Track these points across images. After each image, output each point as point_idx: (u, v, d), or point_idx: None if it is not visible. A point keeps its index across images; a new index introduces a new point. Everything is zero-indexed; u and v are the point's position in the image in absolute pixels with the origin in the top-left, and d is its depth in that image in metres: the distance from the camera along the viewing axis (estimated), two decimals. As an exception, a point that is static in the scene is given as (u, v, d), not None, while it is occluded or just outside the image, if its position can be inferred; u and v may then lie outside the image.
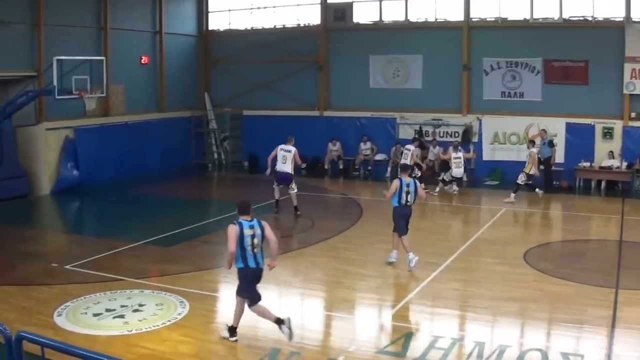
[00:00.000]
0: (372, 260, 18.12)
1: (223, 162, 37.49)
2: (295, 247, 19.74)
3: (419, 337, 12.48)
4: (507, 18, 31.33)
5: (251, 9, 37.17)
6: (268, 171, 24.41)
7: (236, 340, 12.47)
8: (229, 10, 38.12)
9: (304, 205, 24.57)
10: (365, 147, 33.07)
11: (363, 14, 34.40)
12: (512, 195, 26.10)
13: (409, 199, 17.28)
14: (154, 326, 13.50)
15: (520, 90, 31.08)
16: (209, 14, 38.78)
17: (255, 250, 12.48)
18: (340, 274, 16.92)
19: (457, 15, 32.01)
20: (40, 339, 8.72)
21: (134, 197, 29.05)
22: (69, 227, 25.44)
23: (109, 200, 28.86)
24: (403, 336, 12.57)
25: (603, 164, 29.18)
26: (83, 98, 27.48)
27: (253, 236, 12.44)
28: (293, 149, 23.88)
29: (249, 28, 37.60)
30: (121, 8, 33.14)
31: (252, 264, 12.46)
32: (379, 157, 33.07)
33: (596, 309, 14.10)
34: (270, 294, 16.10)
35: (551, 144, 29.23)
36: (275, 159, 24.16)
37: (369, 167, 33.10)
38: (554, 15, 30.37)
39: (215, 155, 37.86)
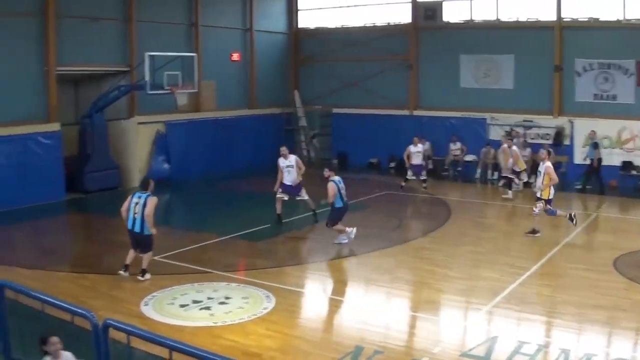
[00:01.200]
0: (459, 262, 18.00)
1: (312, 160, 37.54)
2: (382, 246, 19.63)
3: (504, 342, 12.29)
4: (598, 18, 30.64)
5: (341, 7, 37.17)
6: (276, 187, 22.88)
7: None
8: (319, 9, 38.23)
9: (392, 205, 24.51)
10: (455, 147, 32.78)
11: (453, 13, 34.05)
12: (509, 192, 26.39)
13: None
14: (239, 319, 13.65)
15: (612, 93, 30.34)
16: (299, 12, 38.89)
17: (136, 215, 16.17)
18: (426, 275, 16.84)
19: (549, 15, 31.40)
20: (127, 327, 8.88)
21: (223, 192, 29.31)
22: (158, 219, 25.47)
23: (198, 194, 29.22)
24: (488, 340, 12.44)
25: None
26: (174, 93, 27.84)
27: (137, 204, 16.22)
28: (293, 158, 23.17)
29: (339, 26, 37.63)
30: (212, 5, 33.55)
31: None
32: (469, 157, 32.74)
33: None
34: (356, 291, 16.11)
35: (596, 146, 28.76)
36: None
37: (459, 168, 32.79)
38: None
39: (305, 153, 37.93)
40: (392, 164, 34.55)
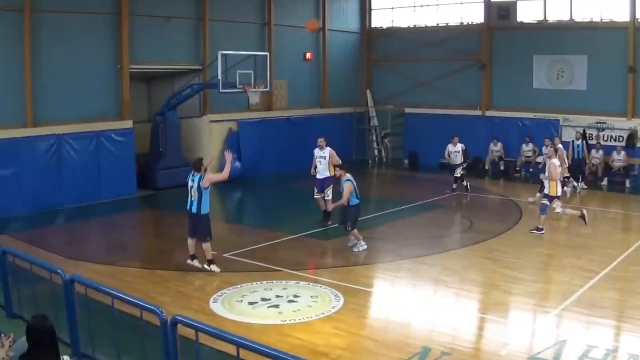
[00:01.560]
0: (530, 265, 17.79)
1: (383, 159, 37.49)
2: (453, 247, 19.52)
3: (573, 346, 12.11)
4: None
5: (414, 6, 37.05)
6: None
7: None
8: (392, 8, 38.19)
9: (463, 205, 24.39)
10: (527, 148, 32.41)
11: (527, 13, 33.66)
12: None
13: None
14: (307, 317, 13.67)
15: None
16: (372, 12, 38.82)
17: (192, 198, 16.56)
18: (496, 277, 16.65)
19: (623, 16, 30.87)
20: (195, 324, 8.91)
21: (294, 190, 29.40)
22: (230, 216, 25.95)
23: (269, 192, 29.34)
24: (556, 343, 12.28)
25: None
26: (247, 92, 27.93)
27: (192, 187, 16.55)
28: (328, 150, 23.01)
29: (411, 26, 37.50)
30: (285, 4, 33.79)
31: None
32: (541, 159, 32.27)
33: None
34: (424, 291, 16.00)
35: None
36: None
37: (530, 169, 32.36)
38: None
39: (376, 152, 37.93)
40: (464, 164, 34.25)
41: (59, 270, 11.31)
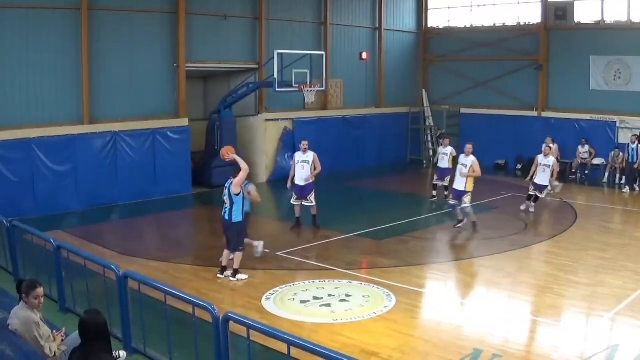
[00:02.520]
0: (584, 268, 17.57)
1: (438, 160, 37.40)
2: (506, 249, 19.34)
3: (625, 350, 11.99)
4: None
5: (471, 6, 36.86)
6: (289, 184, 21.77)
7: None
8: (449, 8, 38.02)
9: (519, 207, 24.24)
10: (584, 150, 32.07)
11: (584, 13, 33.29)
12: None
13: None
14: (359, 317, 13.69)
15: None
16: (429, 11, 38.70)
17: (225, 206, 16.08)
18: (550, 279, 16.49)
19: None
20: (247, 321, 8.96)
21: (349, 189, 29.43)
22: (284, 214, 25.97)
23: (324, 191, 29.22)
24: (609, 348, 12.14)
25: None
26: (303, 91, 27.98)
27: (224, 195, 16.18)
28: (311, 154, 21.59)
29: (468, 26, 37.33)
30: (341, 4, 33.84)
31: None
32: (597, 161, 31.97)
33: None
34: (477, 293, 15.93)
35: None
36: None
37: (586, 172, 32.03)
38: None
39: (431, 152, 37.84)
40: (519, 166, 34.09)
41: (112, 266, 11.45)
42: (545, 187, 24.07)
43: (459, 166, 21.28)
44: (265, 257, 17.76)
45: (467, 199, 20.95)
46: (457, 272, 17.64)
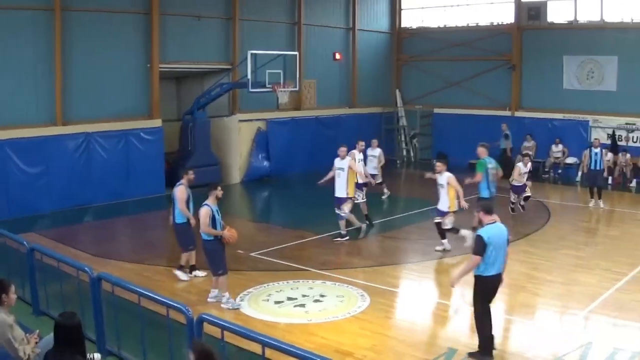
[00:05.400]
0: (558, 266, 17.69)
1: (412, 159, 37.46)
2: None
3: (599, 348, 12.08)
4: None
5: (444, 6, 36.96)
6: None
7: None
8: (422, 8, 38.13)
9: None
10: (557, 149, 32.27)
11: (557, 13, 33.49)
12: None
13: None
14: (333, 317, 13.75)
15: None
16: (402, 12, 38.78)
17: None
18: (523, 278, 16.56)
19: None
20: (221, 322, 8.97)
21: (323, 190, 29.24)
22: (257, 215, 26.02)
23: (297, 192, 29.37)
24: (582, 346, 12.21)
25: None
26: (276, 92, 28.00)
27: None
28: (347, 159, 20.34)
29: (441, 26, 37.43)
30: (315, 4, 33.86)
31: None
32: (570, 160, 32.17)
33: None
34: (451, 292, 15.95)
35: (507, 137, 32.38)
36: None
37: (559, 171, 32.27)
38: None
39: (404, 152, 37.92)
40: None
41: (86, 268, 11.43)
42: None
43: (438, 187, 19.49)
44: (239, 258, 17.77)
45: (448, 220, 19.16)
46: (430, 271, 17.70)
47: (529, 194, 24.31)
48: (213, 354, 7.00)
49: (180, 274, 16.48)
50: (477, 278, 11.69)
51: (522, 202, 24.23)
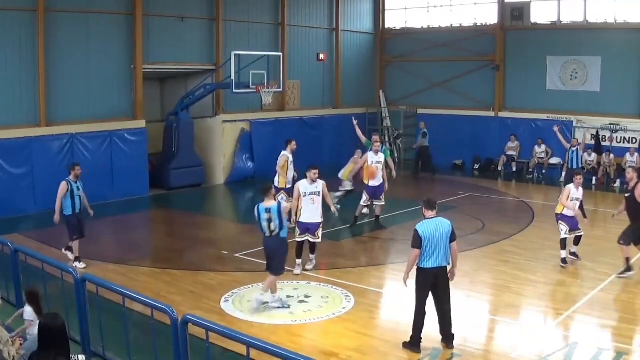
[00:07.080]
0: (542, 266, 17.71)
1: (396, 160, 37.48)
2: (464, 249, 19.39)
3: (583, 348, 12.11)
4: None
5: (428, 7, 37.02)
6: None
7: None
8: (406, 9, 38.15)
9: (476, 207, 24.40)
10: (540, 150, 32.37)
11: (541, 14, 33.60)
12: None
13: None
14: (318, 318, 13.78)
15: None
16: (386, 12, 38.82)
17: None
18: (508, 279, 16.63)
19: (637, 17, 30.66)
20: (206, 323, 8.96)
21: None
22: (241, 216, 25.97)
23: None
24: (567, 346, 12.29)
25: None
26: (260, 92, 27.97)
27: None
28: (321, 183, 17.85)
29: (425, 27, 37.46)
30: (298, 5, 33.84)
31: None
32: (554, 160, 32.27)
33: None
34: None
35: (424, 135, 33.37)
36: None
37: (543, 171, 32.37)
38: None
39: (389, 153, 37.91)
40: (477, 166, 34.32)
41: (70, 269, 11.39)
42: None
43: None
44: (223, 259, 17.77)
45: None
46: (415, 272, 17.69)
47: (581, 232, 18.28)
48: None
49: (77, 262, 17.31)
50: (417, 269, 12.28)
51: (573, 248, 18.23)
